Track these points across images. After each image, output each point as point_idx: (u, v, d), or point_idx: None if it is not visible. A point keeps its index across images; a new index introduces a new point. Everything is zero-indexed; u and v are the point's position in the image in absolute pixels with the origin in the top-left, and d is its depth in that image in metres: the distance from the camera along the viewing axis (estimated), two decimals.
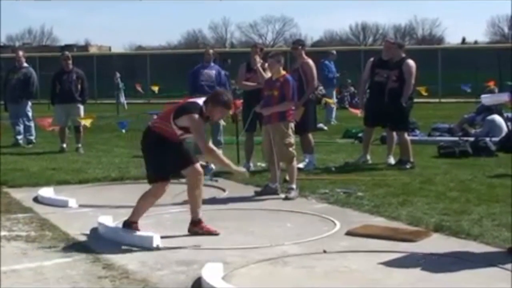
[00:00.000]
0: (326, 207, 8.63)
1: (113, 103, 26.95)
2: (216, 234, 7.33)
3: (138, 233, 7.09)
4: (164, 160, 7.20)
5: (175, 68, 35.62)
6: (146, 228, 7.25)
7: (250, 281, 5.80)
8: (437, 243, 6.81)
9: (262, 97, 9.92)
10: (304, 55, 11.47)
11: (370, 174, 11.05)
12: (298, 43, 12.09)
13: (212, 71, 12.32)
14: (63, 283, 5.70)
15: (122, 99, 26.86)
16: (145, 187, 8.70)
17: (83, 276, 5.88)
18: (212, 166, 10.98)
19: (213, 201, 9.13)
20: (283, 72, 9.72)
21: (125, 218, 7.35)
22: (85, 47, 77.37)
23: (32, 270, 6.05)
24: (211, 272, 5.70)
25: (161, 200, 7.57)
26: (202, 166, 10.16)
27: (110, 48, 76.51)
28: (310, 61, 11.42)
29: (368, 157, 12.20)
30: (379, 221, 7.82)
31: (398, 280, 5.78)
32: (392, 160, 11.92)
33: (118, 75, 26.88)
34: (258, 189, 9.80)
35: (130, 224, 7.24)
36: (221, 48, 61.92)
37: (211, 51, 12.86)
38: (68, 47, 72.68)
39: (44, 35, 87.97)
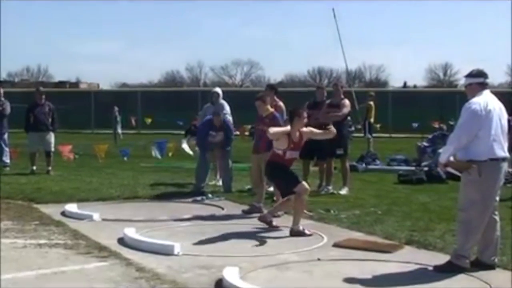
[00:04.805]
0: (312, 223, 8.82)
1: (109, 133, 26.97)
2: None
3: (160, 241, 7.29)
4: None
5: (161, 103, 35.79)
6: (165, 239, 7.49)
7: (261, 282, 5.97)
8: (410, 254, 7.09)
9: (256, 131, 10.28)
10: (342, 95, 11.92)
11: (342, 197, 11.23)
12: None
13: None
14: (107, 282, 5.91)
15: (119, 130, 26.83)
16: (153, 204, 8.95)
17: (122, 277, 6.09)
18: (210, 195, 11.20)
19: (213, 217, 9.37)
20: (271, 110, 9.99)
21: (146, 230, 7.74)
22: (76, 83, 76.99)
23: (77, 272, 6.26)
24: (230, 274, 5.94)
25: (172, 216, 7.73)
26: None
27: (98, 85, 76.22)
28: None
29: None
30: (359, 236, 8.08)
31: (381, 282, 6.10)
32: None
33: (116, 108, 26.83)
34: (246, 208, 9.90)
35: (298, 232, 8.05)
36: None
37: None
38: (62, 83, 72.40)
39: (41, 72, 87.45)
